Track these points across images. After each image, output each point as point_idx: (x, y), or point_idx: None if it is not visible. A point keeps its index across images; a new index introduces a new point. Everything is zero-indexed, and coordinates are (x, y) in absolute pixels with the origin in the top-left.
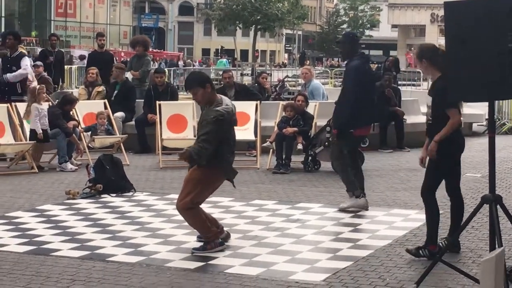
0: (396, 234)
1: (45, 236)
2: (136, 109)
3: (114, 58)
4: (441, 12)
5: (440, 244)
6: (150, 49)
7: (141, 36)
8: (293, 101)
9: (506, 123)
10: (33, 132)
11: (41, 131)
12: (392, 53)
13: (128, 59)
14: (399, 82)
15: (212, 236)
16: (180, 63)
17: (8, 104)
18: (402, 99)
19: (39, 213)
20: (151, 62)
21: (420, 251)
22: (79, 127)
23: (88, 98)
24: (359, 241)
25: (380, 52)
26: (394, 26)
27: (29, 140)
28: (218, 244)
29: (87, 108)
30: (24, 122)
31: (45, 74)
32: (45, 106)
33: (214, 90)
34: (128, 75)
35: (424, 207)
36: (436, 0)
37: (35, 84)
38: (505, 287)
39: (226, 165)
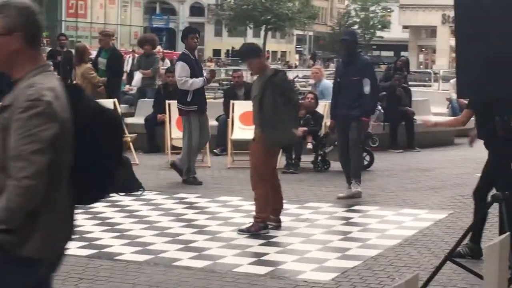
0: (405, 233)
1: None
2: (147, 108)
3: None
4: (452, 13)
5: (461, 251)
6: (161, 50)
7: (149, 34)
8: (303, 101)
9: None
10: None
11: None
12: (403, 54)
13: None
14: (410, 83)
15: (262, 219)
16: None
17: None
18: (412, 99)
19: None
20: (159, 60)
21: None
22: None
23: None
24: (368, 241)
25: (391, 53)
26: (405, 27)
27: None
28: (261, 227)
29: None
30: None
31: (55, 73)
32: None
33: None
34: (138, 74)
35: None
36: (447, 1)
37: None
38: None
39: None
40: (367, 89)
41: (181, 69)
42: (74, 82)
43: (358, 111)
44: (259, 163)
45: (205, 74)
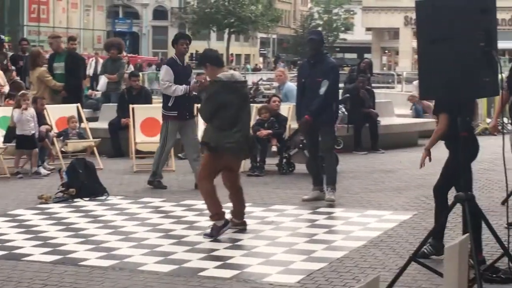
0: (370, 235)
1: (17, 241)
2: (111, 112)
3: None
4: (414, 15)
5: (425, 250)
6: (125, 54)
7: (116, 38)
8: (267, 104)
9: (480, 124)
10: (18, 137)
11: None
12: (366, 56)
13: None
14: (373, 85)
15: (216, 217)
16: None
17: None
18: (376, 101)
19: (11, 218)
20: (126, 65)
21: None
22: (52, 132)
23: None
24: (334, 243)
25: (354, 55)
26: (368, 29)
27: (17, 145)
28: (221, 226)
29: (59, 113)
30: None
31: (18, 78)
32: (30, 111)
33: (220, 67)
34: (103, 78)
35: None
36: (409, 3)
37: (7, 88)
38: (478, 278)
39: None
40: (322, 90)
41: (165, 73)
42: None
43: (326, 116)
44: (203, 162)
45: (193, 81)
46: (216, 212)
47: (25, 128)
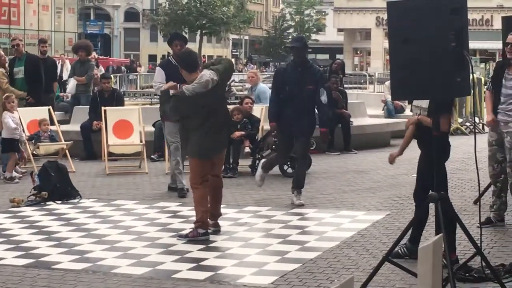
0: (343, 235)
1: None
2: (83, 115)
3: (59, 64)
4: (386, 16)
5: (399, 251)
6: (95, 56)
7: (83, 40)
8: (239, 105)
9: (452, 123)
10: (7, 141)
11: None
12: (338, 57)
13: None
14: (345, 85)
15: (200, 224)
16: (141, 69)
17: None
18: (348, 101)
19: None
20: (95, 67)
21: None
22: (24, 135)
23: None
24: (307, 243)
25: (326, 56)
26: (340, 30)
27: (4, 149)
28: (200, 234)
29: (31, 116)
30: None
31: None
32: (17, 114)
33: (190, 73)
34: (72, 81)
35: None
36: (381, 4)
37: None
38: (451, 277)
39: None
40: (324, 98)
41: (157, 74)
42: None
43: (311, 121)
44: (190, 170)
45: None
46: (202, 221)
47: (15, 131)
